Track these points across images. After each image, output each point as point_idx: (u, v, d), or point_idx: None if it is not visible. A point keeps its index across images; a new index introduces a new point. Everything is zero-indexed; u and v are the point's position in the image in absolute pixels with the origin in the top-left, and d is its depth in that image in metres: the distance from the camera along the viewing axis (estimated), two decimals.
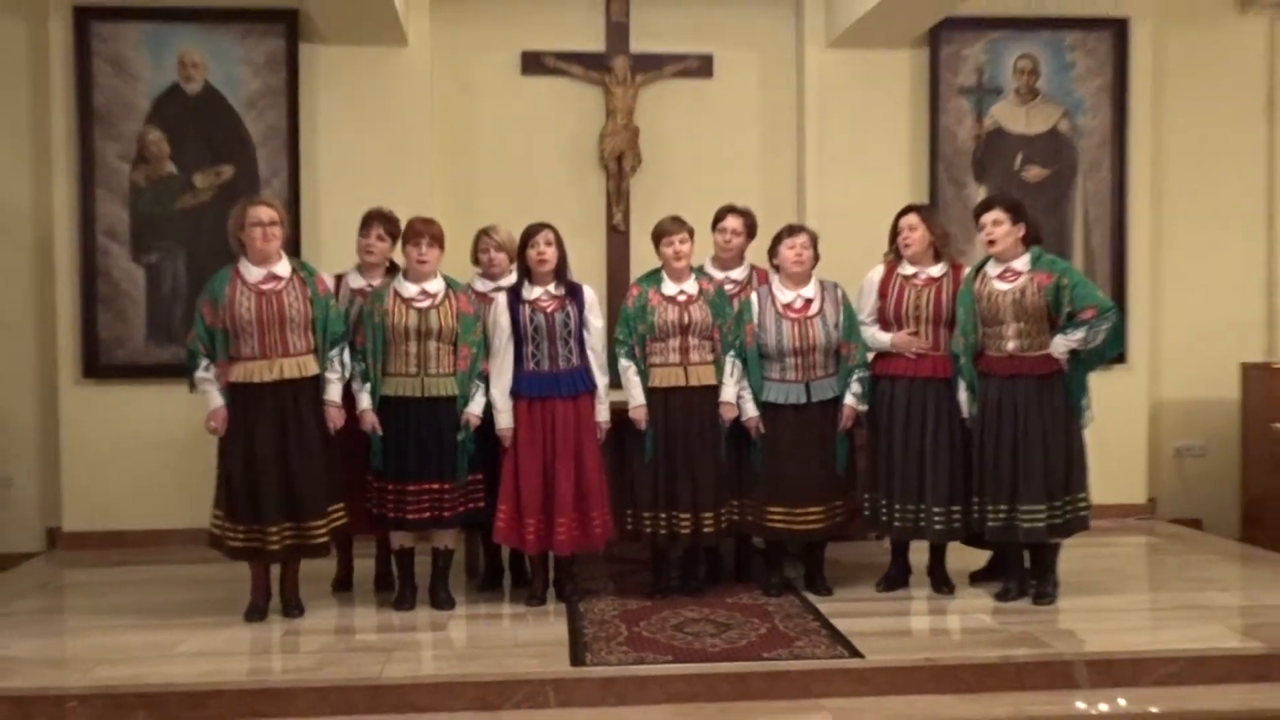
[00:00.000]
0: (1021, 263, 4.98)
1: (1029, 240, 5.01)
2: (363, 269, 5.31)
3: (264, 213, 4.85)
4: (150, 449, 6.37)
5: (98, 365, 6.43)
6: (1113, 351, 4.99)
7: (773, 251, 5.27)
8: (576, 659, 4.36)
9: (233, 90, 6.48)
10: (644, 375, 5.11)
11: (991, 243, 4.99)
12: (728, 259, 5.50)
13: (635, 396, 5.09)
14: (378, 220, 5.27)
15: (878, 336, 5.20)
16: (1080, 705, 4.19)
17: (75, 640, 4.86)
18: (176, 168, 6.46)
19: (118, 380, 6.44)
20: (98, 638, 4.73)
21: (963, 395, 5.05)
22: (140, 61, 6.42)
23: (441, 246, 5.05)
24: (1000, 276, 4.99)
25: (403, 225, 5.16)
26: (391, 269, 5.31)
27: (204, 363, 4.82)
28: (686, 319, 5.10)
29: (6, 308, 6.56)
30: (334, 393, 4.88)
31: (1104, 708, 4.18)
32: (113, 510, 6.42)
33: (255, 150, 6.49)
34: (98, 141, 6.40)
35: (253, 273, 4.84)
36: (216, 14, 6.43)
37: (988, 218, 5.00)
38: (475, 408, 4.99)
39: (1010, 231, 4.97)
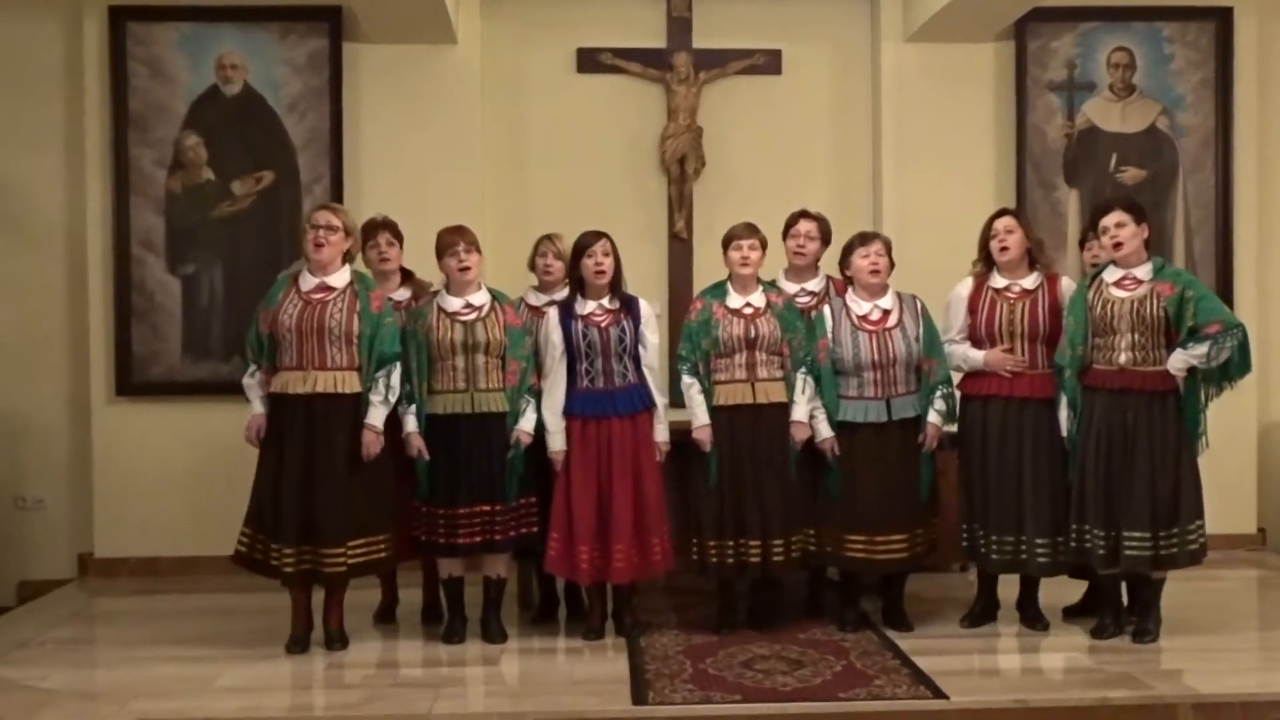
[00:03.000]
0: (1144, 271, 4.93)
1: (1148, 246, 4.97)
2: (378, 279, 5.31)
3: (320, 216, 4.96)
4: (186, 470, 6.47)
5: (131, 382, 6.54)
6: (1240, 373, 4.86)
7: (844, 262, 5.27)
8: (638, 698, 4.36)
9: (273, 92, 6.58)
10: (708, 393, 5.11)
11: (1118, 246, 4.92)
12: (802, 267, 5.48)
13: (699, 416, 5.09)
14: (382, 227, 5.35)
15: (969, 355, 5.17)
16: None
17: (110, 672, 4.93)
18: (214, 174, 6.56)
19: (152, 398, 6.54)
20: (133, 670, 4.80)
21: (1063, 412, 5.01)
22: (177, 63, 6.54)
23: (480, 251, 5.10)
24: (1118, 284, 4.93)
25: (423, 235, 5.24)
26: (406, 276, 5.40)
27: (251, 368, 4.96)
28: (753, 333, 5.10)
29: (38, 321, 6.69)
30: (375, 417, 4.90)
31: None
32: (147, 536, 6.52)
33: (296, 155, 6.58)
34: (133, 147, 6.52)
35: (308, 281, 4.94)
36: (256, 13, 6.53)
37: (1110, 220, 4.94)
38: (526, 424, 5.02)
39: (1135, 233, 4.92)
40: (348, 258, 5.01)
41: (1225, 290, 6.78)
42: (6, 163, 6.67)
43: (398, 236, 5.35)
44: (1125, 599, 5.09)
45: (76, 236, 6.64)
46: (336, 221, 4.95)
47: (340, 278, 4.95)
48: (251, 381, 4.95)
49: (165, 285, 6.56)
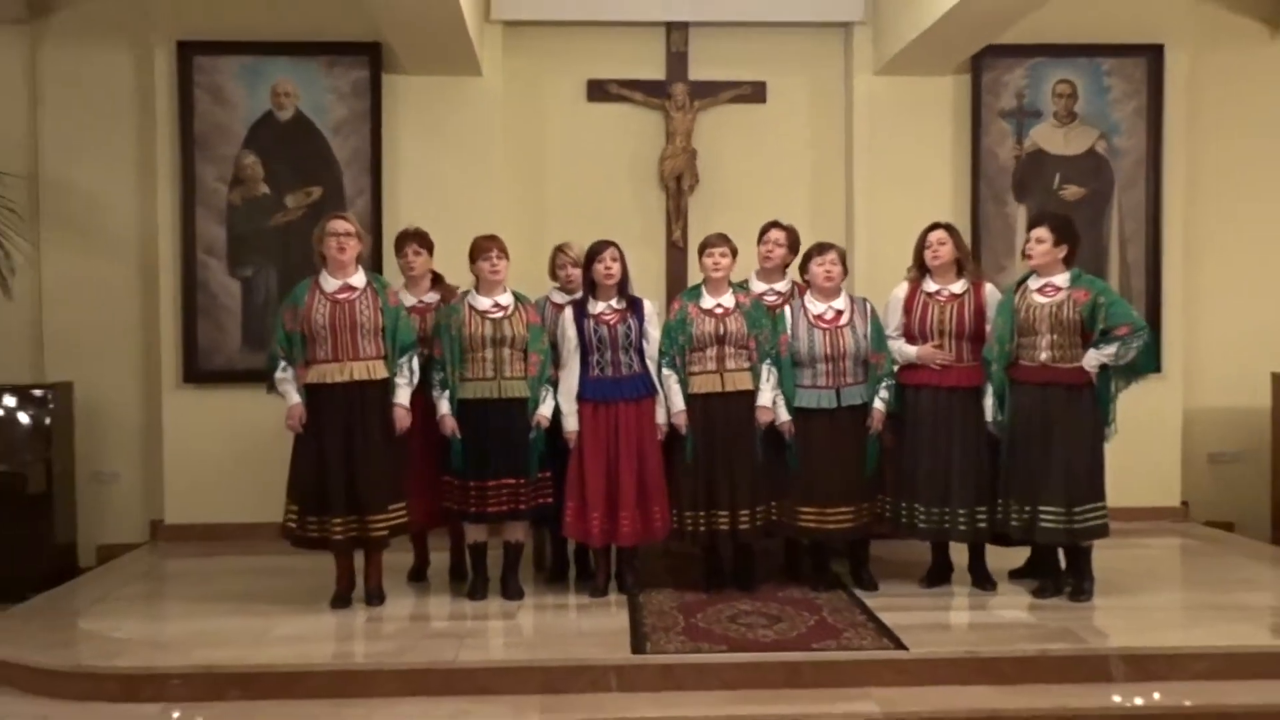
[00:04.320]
0: (1062, 279, 4.96)
1: (1071, 259, 5.00)
2: (409, 285, 5.36)
3: (339, 225, 4.97)
4: (244, 448, 6.48)
5: (197, 370, 6.57)
6: (1146, 369, 4.96)
7: (803, 268, 5.30)
8: (637, 647, 4.39)
9: (321, 117, 6.59)
10: (684, 383, 5.13)
11: (1027, 257, 5.02)
12: (771, 270, 5.53)
13: (676, 403, 5.12)
14: (412, 238, 5.36)
15: (904, 350, 5.20)
16: (1116, 699, 4.16)
17: (176, 624, 4.98)
18: (270, 189, 6.58)
19: (215, 384, 6.56)
20: (197, 622, 4.84)
21: (989, 401, 5.04)
22: (237, 91, 6.56)
23: (508, 256, 5.14)
24: (1040, 290, 4.97)
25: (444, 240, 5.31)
26: (436, 280, 5.41)
27: (282, 364, 4.94)
28: (722, 330, 5.13)
29: (115, 318, 6.72)
30: (402, 396, 4.96)
31: (1139, 701, 4.14)
32: (210, 504, 6.54)
33: (341, 172, 6.59)
34: (198, 165, 6.54)
35: (330, 283, 4.95)
36: (306, 47, 6.54)
37: (1034, 233, 5.01)
38: (545, 410, 5.06)
39: (1049, 251, 4.95)
40: (359, 259, 5.04)
41: (1155, 292, 6.79)
42: (88, 179, 6.68)
43: (425, 245, 5.35)
44: (1063, 564, 5.10)
45: (149, 243, 6.66)
46: (352, 228, 4.98)
47: (359, 278, 4.99)
48: (285, 375, 4.92)
49: (226, 286, 6.58)
